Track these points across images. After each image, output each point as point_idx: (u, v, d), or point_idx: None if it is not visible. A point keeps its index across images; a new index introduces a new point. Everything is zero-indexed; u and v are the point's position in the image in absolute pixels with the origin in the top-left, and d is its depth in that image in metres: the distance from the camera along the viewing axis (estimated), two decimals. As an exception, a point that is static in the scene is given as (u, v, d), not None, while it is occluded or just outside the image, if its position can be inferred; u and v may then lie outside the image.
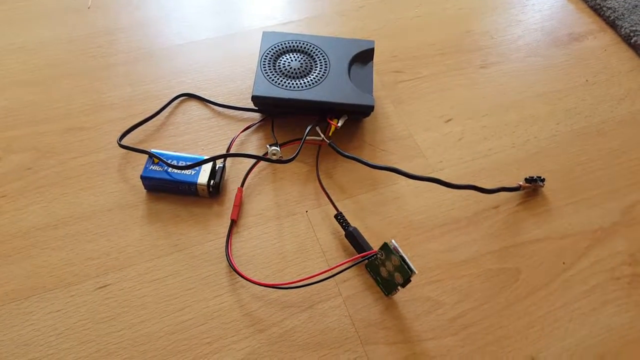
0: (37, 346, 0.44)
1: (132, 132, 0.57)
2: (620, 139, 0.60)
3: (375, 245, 0.47)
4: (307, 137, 0.54)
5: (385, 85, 0.64)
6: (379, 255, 0.46)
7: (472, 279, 0.49)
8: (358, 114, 0.57)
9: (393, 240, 0.44)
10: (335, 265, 0.47)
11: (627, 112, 0.62)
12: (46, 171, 0.54)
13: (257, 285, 0.47)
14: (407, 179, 0.52)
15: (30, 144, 0.56)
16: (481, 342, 0.45)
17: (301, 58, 0.59)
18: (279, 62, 0.58)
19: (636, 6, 0.72)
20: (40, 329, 0.45)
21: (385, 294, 0.47)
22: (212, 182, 0.51)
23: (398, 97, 0.63)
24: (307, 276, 0.46)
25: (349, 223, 0.50)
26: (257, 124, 0.59)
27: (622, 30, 0.70)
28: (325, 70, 0.57)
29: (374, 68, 0.63)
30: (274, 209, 0.52)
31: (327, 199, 0.52)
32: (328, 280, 0.48)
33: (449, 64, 0.67)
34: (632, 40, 0.69)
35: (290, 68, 0.57)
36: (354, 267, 0.48)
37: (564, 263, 0.50)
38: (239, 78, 0.63)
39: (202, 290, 0.47)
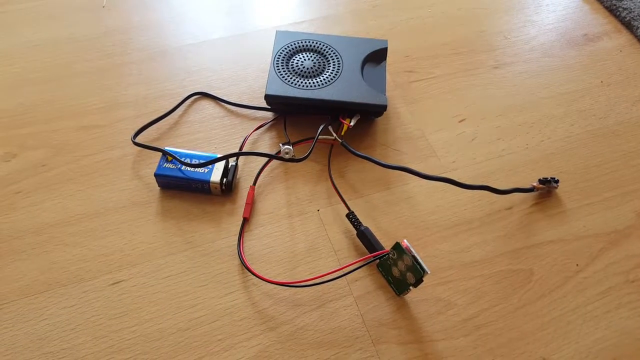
0: (51, 341, 0.44)
1: (146, 130, 0.57)
2: (635, 141, 0.59)
3: (387, 245, 0.47)
4: (320, 137, 0.54)
5: (398, 85, 0.64)
6: (390, 255, 0.46)
7: (485, 280, 0.48)
8: (371, 113, 0.57)
9: (405, 240, 0.44)
10: (346, 265, 0.47)
11: (642, 114, 0.62)
12: (60, 168, 0.55)
13: (268, 283, 0.47)
14: (419, 179, 0.52)
15: (45, 141, 0.57)
16: (493, 344, 0.45)
17: (314, 57, 0.59)
18: (292, 62, 0.58)
19: (652, 7, 0.71)
20: (54, 323, 0.45)
21: (396, 293, 0.47)
22: (224, 180, 0.52)
23: (411, 97, 0.62)
24: (318, 275, 0.46)
25: (360, 222, 0.50)
26: (269, 123, 0.59)
27: (638, 31, 0.69)
28: (338, 69, 0.57)
29: (387, 68, 0.63)
30: (286, 208, 0.53)
31: (338, 198, 0.52)
32: (339, 279, 0.48)
33: (463, 64, 0.66)
34: (648, 41, 0.68)
35: (303, 67, 0.58)
36: (366, 266, 0.48)
37: (577, 265, 0.50)
38: (252, 77, 0.64)
39: (215, 288, 0.47)
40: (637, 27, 0.70)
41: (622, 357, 0.45)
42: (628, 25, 0.71)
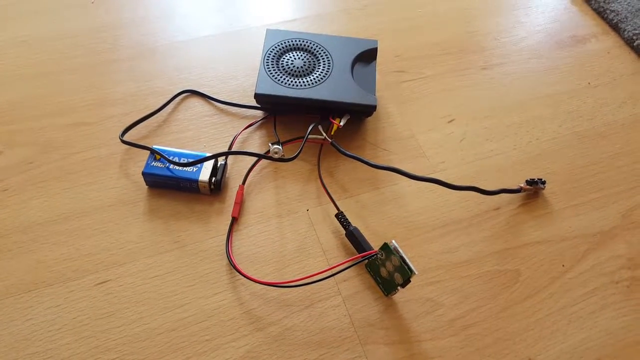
0: (36, 341, 0.44)
1: (135, 128, 0.57)
2: (621, 142, 0.60)
3: (376, 245, 0.47)
4: (309, 136, 0.54)
5: (388, 85, 0.64)
6: (379, 255, 0.46)
7: (472, 280, 0.49)
8: (360, 113, 0.57)
9: (393, 241, 0.44)
10: (335, 265, 0.47)
11: (629, 115, 0.62)
12: (48, 166, 0.54)
13: (257, 284, 0.47)
14: (408, 179, 0.52)
15: (32, 139, 0.56)
16: (480, 344, 0.45)
17: (304, 56, 0.59)
18: (282, 60, 0.58)
19: (639, 9, 0.72)
20: (39, 323, 0.45)
21: (384, 294, 0.47)
22: (213, 179, 0.51)
23: (401, 97, 0.63)
24: (307, 275, 0.46)
25: (349, 222, 0.50)
26: (259, 122, 0.59)
27: (625, 33, 0.70)
28: (328, 69, 0.57)
29: (377, 68, 0.63)
30: (275, 207, 0.52)
31: (328, 198, 0.52)
32: (328, 279, 0.47)
33: (452, 65, 0.67)
34: (635, 44, 0.69)
35: (294, 66, 0.57)
36: (354, 266, 0.49)
37: (563, 266, 0.50)
38: (242, 75, 0.63)
39: (202, 288, 0.47)
40: (625, 29, 0.70)
41: (606, 358, 0.45)
42: (615, 28, 0.72)
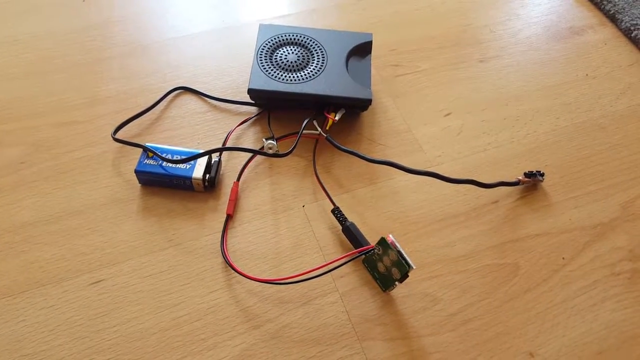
0: (30, 342, 0.43)
1: (127, 126, 0.56)
2: (620, 134, 0.59)
3: (373, 241, 0.46)
4: (304, 131, 0.53)
5: (383, 79, 0.63)
6: (376, 250, 0.45)
7: (471, 275, 0.48)
8: (356, 107, 0.56)
9: (390, 235, 0.43)
10: (332, 261, 0.46)
11: (627, 107, 0.62)
12: (39, 165, 0.54)
13: (252, 281, 0.46)
14: (405, 173, 0.52)
15: (24, 138, 0.56)
16: (480, 339, 0.45)
17: (298, 51, 0.58)
18: (276, 55, 0.57)
19: (636, 0, 0.71)
20: (32, 324, 0.44)
21: (382, 289, 0.47)
22: (207, 176, 0.51)
23: (396, 91, 0.62)
24: (303, 271, 0.45)
25: (346, 218, 0.49)
26: (253, 118, 0.58)
27: (623, 24, 0.70)
28: (322, 63, 0.57)
29: (372, 61, 0.62)
30: (271, 204, 0.52)
31: (324, 193, 0.51)
32: (325, 275, 0.47)
33: (448, 58, 0.66)
34: (633, 34, 0.68)
35: (287, 61, 0.57)
36: (351, 262, 0.48)
37: (563, 258, 0.49)
38: (236, 71, 0.63)
39: (197, 286, 0.46)
40: (622, 20, 0.70)
41: (608, 351, 0.45)
42: (612, 18, 0.71)
